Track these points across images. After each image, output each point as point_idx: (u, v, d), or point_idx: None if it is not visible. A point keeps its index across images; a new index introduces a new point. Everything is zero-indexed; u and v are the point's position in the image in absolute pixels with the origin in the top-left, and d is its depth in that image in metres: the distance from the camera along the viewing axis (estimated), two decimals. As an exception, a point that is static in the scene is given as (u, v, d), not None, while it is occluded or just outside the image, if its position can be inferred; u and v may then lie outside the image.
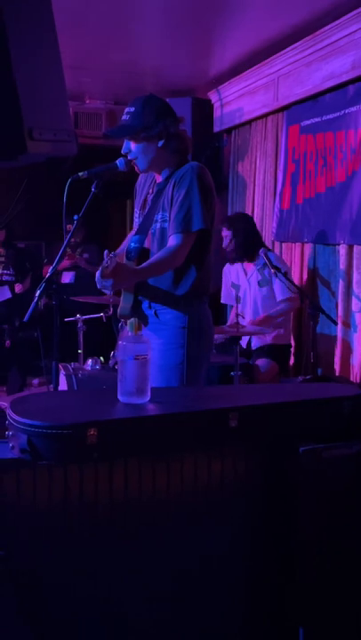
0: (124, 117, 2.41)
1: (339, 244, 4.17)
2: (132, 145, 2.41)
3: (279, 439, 1.83)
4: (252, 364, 4.01)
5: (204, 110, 5.57)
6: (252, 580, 1.83)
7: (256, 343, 4.20)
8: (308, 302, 4.11)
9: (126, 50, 4.58)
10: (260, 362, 4.06)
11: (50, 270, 2.53)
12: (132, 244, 2.49)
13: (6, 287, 5.29)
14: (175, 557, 1.74)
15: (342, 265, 4.11)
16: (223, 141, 5.82)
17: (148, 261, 2.36)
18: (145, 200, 2.57)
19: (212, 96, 5.65)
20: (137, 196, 2.65)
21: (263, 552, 1.83)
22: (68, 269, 5.59)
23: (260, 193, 5.21)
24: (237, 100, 5.34)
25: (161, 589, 1.73)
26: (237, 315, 3.67)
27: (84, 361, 4.01)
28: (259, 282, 4.21)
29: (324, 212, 4.29)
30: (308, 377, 3.87)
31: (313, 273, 4.53)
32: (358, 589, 1.84)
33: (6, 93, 1.42)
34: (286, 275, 3.91)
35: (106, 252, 2.15)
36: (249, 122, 5.30)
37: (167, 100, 2.49)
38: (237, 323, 3.59)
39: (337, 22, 3.86)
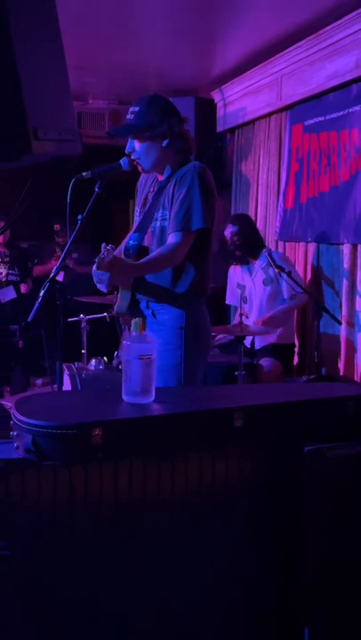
0: (128, 117, 2.41)
1: (343, 244, 4.16)
2: (137, 144, 2.41)
3: (284, 439, 1.83)
4: (256, 364, 4.01)
5: (207, 110, 5.56)
6: (256, 579, 1.83)
7: (260, 343, 4.19)
8: (313, 302, 4.11)
9: (129, 50, 4.58)
10: (264, 361, 4.06)
11: (53, 270, 2.53)
12: (131, 242, 2.48)
13: (11, 287, 5.29)
14: (179, 557, 1.74)
15: (346, 264, 4.11)
16: (226, 141, 5.82)
17: (146, 258, 2.35)
18: (146, 198, 2.57)
19: (216, 95, 5.64)
20: (138, 194, 2.65)
21: (267, 552, 1.83)
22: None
23: (264, 192, 5.21)
24: (241, 100, 5.34)
25: (164, 589, 1.73)
26: (241, 314, 3.67)
27: (88, 361, 4.01)
28: (264, 280, 4.21)
29: (328, 211, 4.28)
30: (312, 377, 3.86)
31: (317, 272, 4.53)
32: (364, 589, 1.83)
33: (10, 93, 1.42)
34: (290, 274, 3.91)
35: (103, 244, 2.13)
36: (252, 121, 5.30)
37: (170, 99, 2.48)
38: (241, 322, 3.59)
39: (341, 21, 3.86)
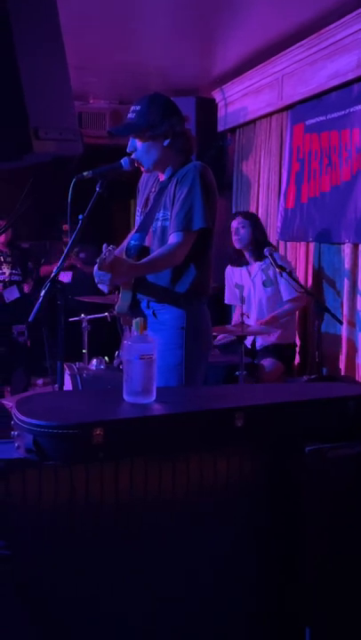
0: (129, 116, 2.41)
1: (344, 243, 4.16)
2: (138, 144, 2.41)
3: (285, 439, 1.83)
4: (257, 364, 4.01)
5: (208, 110, 5.56)
6: (257, 579, 1.83)
7: (261, 343, 4.19)
8: (314, 301, 4.11)
9: (130, 50, 4.58)
10: (266, 361, 4.06)
11: (55, 270, 2.53)
12: (132, 242, 2.48)
13: (14, 287, 5.30)
14: (179, 557, 1.74)
15: (347, 264, 4.11)
16: (227, 141, 5.82)
17: (147, 258, 2.35)
18: (147, 198, 2.57)
19: (217, 95, 5.64)
20: (139, 194, 2.64)
21: (268, 552, 1.83)
22: (65, 269, 5.59)
23: (265, 192, 5.20)
24: (241, 100, 5.33)
25: (164, 589, 1.73)
26: (242, 314, 3.66)
27: (89, 361, 4.01)
28: (263, 282, 4.21)
29: (329, 211, 4.28)
30: (313, 376, 3.86)
31: (318, 272, 4.52)
32: (365, 589, 1.83)
33: (12, 93, 1.42)
34: (291, 274, 3.90)
35: (105, 244, 2.14)
36: (253, 121, 5.29)
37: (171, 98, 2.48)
38: (242, 322, 3.58)
39: (342, 20, 3.85)
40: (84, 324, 4.22)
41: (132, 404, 1.78)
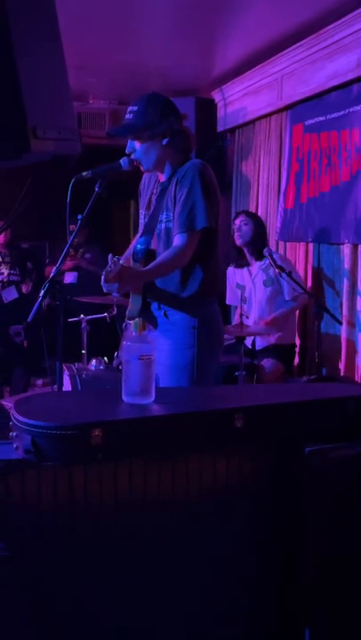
0: (127, 116, 2.40)
1: (343, 244, 4.16)
2: (137, 144, 2.40)
3: (285, 439, 1.82)
4: (256, 364, 4.00)
5: (207, 110, 5.56)
6: (257, 580, 1.82)
7: (261, 343, 4.19)
8: (313, 302, 4.11)
9: (130, 50, 4.58)
10: (265, 362, 4.06)
11: (53, 270, 2.52)
12: (139, 246, 2.48)
13: (13, 287, 5.29)
14: (179, 558, 1.73)
15: (347, 264, 4.10)
16: (227, 141, 5.82)
17: (153, 262, 2.35)
18: (150, 200, 2.56)
19: (216, 95, 5.64)
20: (141, 196, 2.64)
21: (268, 552, 1.82)
22: (70, 270, 5.59)
23: (264, 192, 5.20)
24: (241, 100, 5.33)
25: (164, 590, 1.72)
26: (242, 315, 3.66)
27: (88, 361, 4.00)
28: (264, 282, 4.21)
29: (329, 211, 4.28)
30: (312, 377, 3.86)
31: (317, 272, 4.52)
32: (365, 590, 1.83)
33: (10, 92, 1.42)
34: (291, 274, 3.90)
35: (110, 256, 2.14)
36: (253, 121, 5.29)
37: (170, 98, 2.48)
38: (242, 323, 3.58)
39: (342, 20, 3.85)
40: (83, 325, 4.22)
41: (131, 405, 1.77)
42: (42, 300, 2.45)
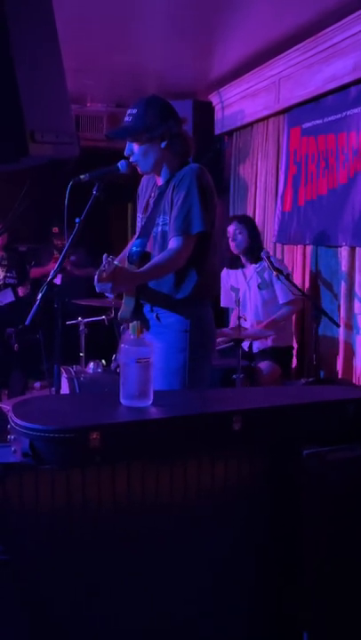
0: (126, 119, 2.40)
1: (341, 246, 4.16)
2: (135, 147, 2.41)
3: (283, 442, 1.82)
4: (254, 367, 4.00)
5: (205, 113, 5.57)
6: (255, 583, 1.82)
7: (258, 346, 4.19)
8: (311, 304, 4.11)
9: (127, 53, 4.58)
10: (263, 364, 4.06)
11: (51, 273, 2.52)
12: (134, 248, 2.48)
13: (9, 290, 5.29)
14: (178, 561, 1.73)
15: (344, 267, 4.11)
16: (224, 144, 5.82)
17: (148, 264, 2.35)
18: (147, 203, 2.56)
19: (213, 98, 5.64)
20: (139, 199, 2.64)
21: (267, 555, 1.82)
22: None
23: (262, 195, 5.21)
24: (238, 103, 5.34)
25: (163, 593, 1.72)
26: (239, 317, 3.66)
27: (86, 364, 4.00)
28: (259, 285, 4.21)
29: (326, 213, 4.28)
30: (310, 379, 3.86)
31: (315, 275, 4.52)
32: (363, 593, 1.83)
33: (8, 95, 1.41)
34: (288, 277, 3.91)
35: (105, 255, 2.14)
36: (250, 124, 5.30)
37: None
38: (239, 325, 3.58)
39: (339, 24, 3.86)
40: (81, 327, 4.21)
41: (129, 408, 1.77)
42: (40, 304, 2.45)
